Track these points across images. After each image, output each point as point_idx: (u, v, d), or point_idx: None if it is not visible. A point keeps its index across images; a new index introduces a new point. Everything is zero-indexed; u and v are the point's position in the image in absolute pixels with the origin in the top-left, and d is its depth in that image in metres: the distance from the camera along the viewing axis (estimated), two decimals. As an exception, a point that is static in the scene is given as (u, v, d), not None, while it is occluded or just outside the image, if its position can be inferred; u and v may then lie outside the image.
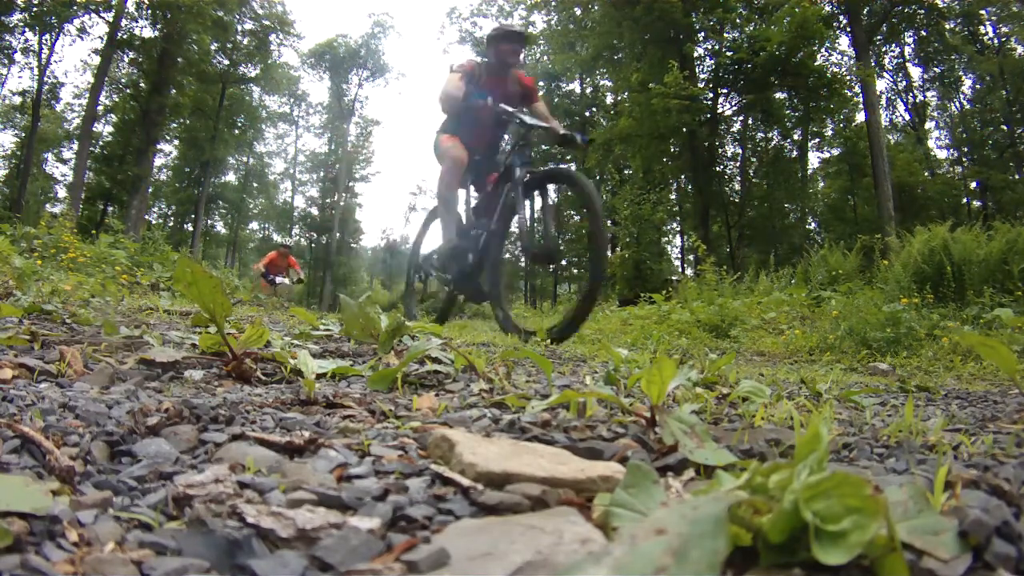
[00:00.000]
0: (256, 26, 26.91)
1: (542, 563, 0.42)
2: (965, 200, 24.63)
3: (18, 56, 23.78)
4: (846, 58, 20.69)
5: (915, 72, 26.30)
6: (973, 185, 24.23)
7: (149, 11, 22.24)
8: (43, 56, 23.81)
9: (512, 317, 3.99)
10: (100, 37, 22.66)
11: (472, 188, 4.51)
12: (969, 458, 0.80)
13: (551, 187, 4.02)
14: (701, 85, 19.13)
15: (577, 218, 31.87)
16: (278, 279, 13.36)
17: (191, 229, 31.16)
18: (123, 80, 25.54)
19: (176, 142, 30.06)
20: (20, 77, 41.88)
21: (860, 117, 21.82)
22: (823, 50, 18.91)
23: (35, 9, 21.45)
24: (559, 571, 0.40)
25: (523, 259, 5.58)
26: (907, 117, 27.17)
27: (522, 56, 4.48)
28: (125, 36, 22.46)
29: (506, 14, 33.81)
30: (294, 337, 2.12)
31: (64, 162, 30.85)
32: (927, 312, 5.64)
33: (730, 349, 4.78)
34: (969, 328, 5.23)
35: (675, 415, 0.80)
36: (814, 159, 25.81)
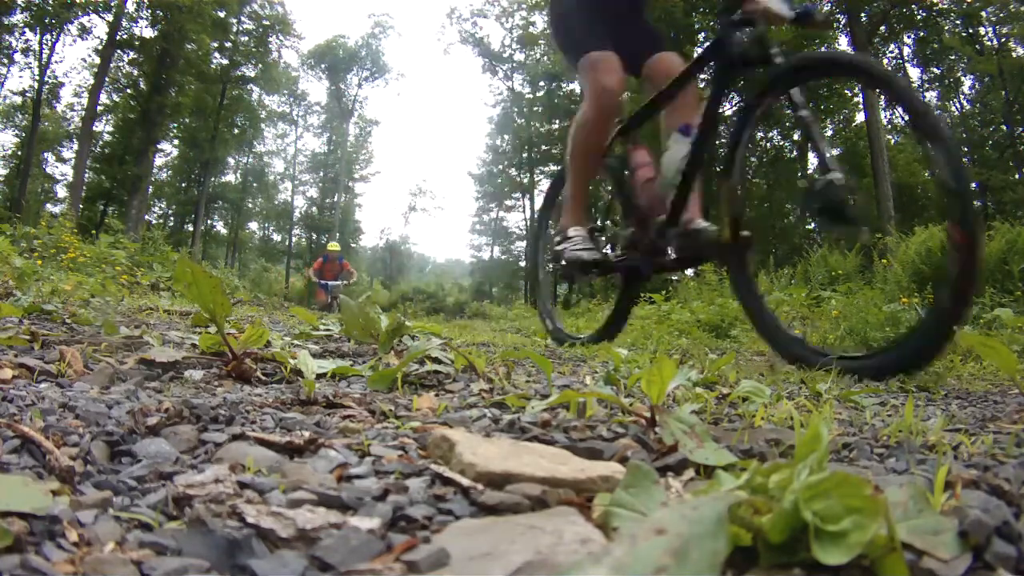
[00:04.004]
0: (256, 26, 26.98)
1: (542, 563, 0.42)
2: (965, 200, 24.59)
3: (18, 56, 23.85)
4: (846, 58, 20.67)
5: (915, 72, 26.33)
6: (973, 185, 24.23)
7: (149, 11, 22.30)
8: (43, 56, 23.85)
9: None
10: (100, 37, 22.72)
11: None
12: (969, 458, 0.80)
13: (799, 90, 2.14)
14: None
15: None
16: (331, 283, 13.25)
17: (191, 229, 31.18)
18: (123, 80, 25.56)
19: (176, 142, 30.10)
20: (20, 77, 41.98)
21: (860, 117, 21.87)
22: (822, 50, 18.94)
23: (35, 9, 21.49)
24: (559, 571, 0.40)
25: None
26: (907, 117, 27.14)
27: None
28: (125, 36, 22.51)
29: (508, 14, 33.84)
30: (294, 337, 2.12)
31: (64, 162, 30.91)
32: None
33: (730, 349, 4.78)
34: (969, 328, 5.23)
35: (675, 415, 0.80)
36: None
